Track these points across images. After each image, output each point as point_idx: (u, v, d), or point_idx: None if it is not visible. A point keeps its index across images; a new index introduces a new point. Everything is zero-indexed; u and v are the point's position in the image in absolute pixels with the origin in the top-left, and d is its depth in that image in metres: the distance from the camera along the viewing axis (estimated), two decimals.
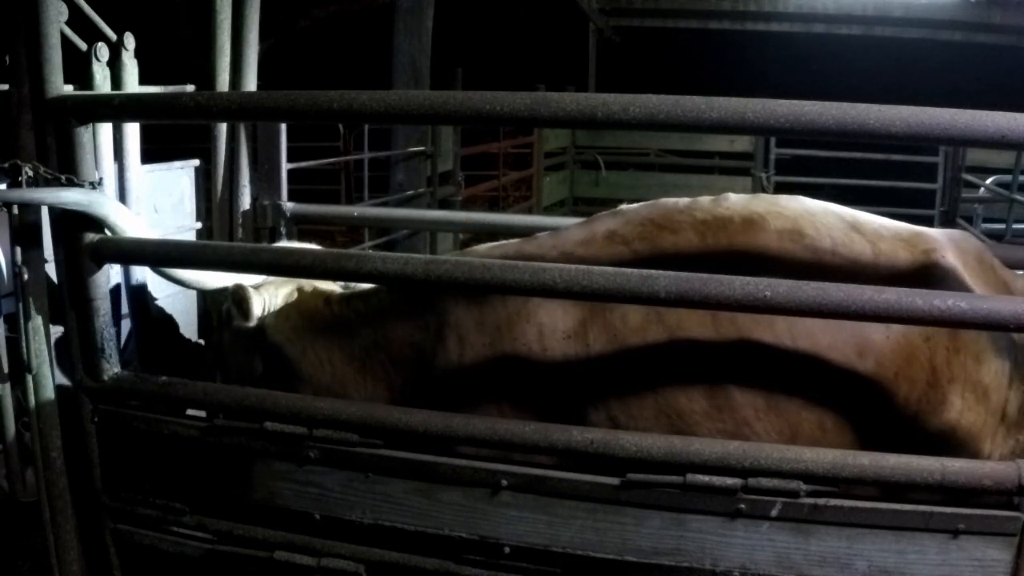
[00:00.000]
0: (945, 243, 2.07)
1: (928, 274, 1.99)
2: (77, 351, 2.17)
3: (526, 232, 2.94)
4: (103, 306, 2.16)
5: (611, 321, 2.08)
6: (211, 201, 3.17)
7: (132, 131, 2.65)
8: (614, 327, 2.07)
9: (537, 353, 2.12)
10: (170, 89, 2.75)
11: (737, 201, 2.15)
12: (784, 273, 1.77)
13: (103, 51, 2.42)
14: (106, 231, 2.13)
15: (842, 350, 1.97)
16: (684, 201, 2.20)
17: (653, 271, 1.77)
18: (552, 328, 2.11)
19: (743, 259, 1.93)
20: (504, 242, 2.37)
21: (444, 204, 7.72)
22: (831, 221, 2.09)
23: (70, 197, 2.03)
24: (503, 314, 2.16)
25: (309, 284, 2.52)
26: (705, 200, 2.18)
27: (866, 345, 1.97)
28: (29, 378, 2.21)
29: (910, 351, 1.97)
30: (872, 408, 1.99)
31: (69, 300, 2.15)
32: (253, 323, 2.45)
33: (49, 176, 2.05)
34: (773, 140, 9.55)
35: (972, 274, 2.04)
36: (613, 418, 2.07)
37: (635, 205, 2.26)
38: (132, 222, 2.17)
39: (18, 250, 2.18)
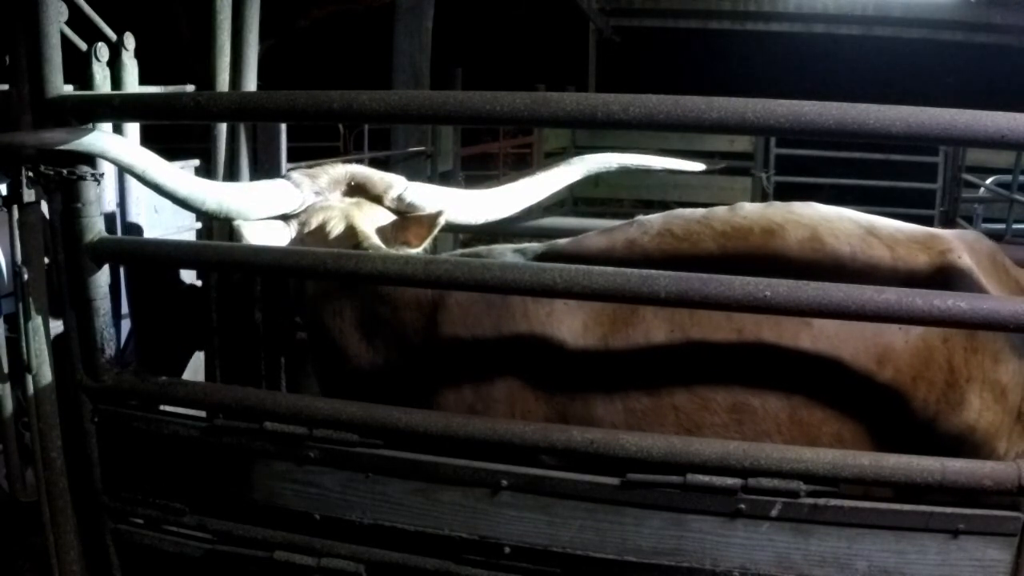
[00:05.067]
0: (959, 244, 2.07)
1: (945, 276, 2.00)
2: (77, 351, 2.17)
3: (526, 233, 2.96)
4: (103, 306, 2.16)
5: (633, 337, 2.07)
6: None
7: (132, 131, 2.65)
8: (637, 343, 2.07)
9: (555, 367, 2.12)
10: (170, 89, 2.75)
11: (753, 210, 2.16)
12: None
13: (103, 51, 2.42)
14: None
15: (863, 360, 1.97)
16: (699, 212, 2.21)
17: (653, 271, 1.77)
18: (572, 343, 2.11)
19: (764, 269, 1.89)
20: (524, 246, 2.38)
21: None
22: (848, 227, 2.09)
23: (56, 137, 1.95)
24: (524, 326, 2.14)
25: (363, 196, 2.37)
26: (721, 210, 2.19)
27: (886, 353, 1.97)
28: (29, 378, 2.21)
29: (928, 353, 1.98)
30: (891, 414, 1.99)
31: (69, 300, 2.15)
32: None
33: (50, 173, 2.05)
34: (773, 140, 9.54)
35: (986, 274, 2.05)
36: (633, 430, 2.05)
37: (652, 216, 2.27)
38: (136, 153, 2.05)
39: (18, 250, 2.18)
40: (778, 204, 2.20)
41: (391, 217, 2.37)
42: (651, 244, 2.15)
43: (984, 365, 1.99)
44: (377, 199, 2.38)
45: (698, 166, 2.90)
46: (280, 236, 2.28)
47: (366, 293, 2.31)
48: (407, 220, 2.35)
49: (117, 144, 2.02)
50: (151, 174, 2.07)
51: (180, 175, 2.16)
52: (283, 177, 2.39)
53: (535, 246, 2.36)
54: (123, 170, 2.08)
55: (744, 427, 2.00)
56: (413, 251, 2.27)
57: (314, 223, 2.29)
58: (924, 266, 2.03)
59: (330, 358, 2.37)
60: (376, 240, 2.24)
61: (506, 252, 2.34)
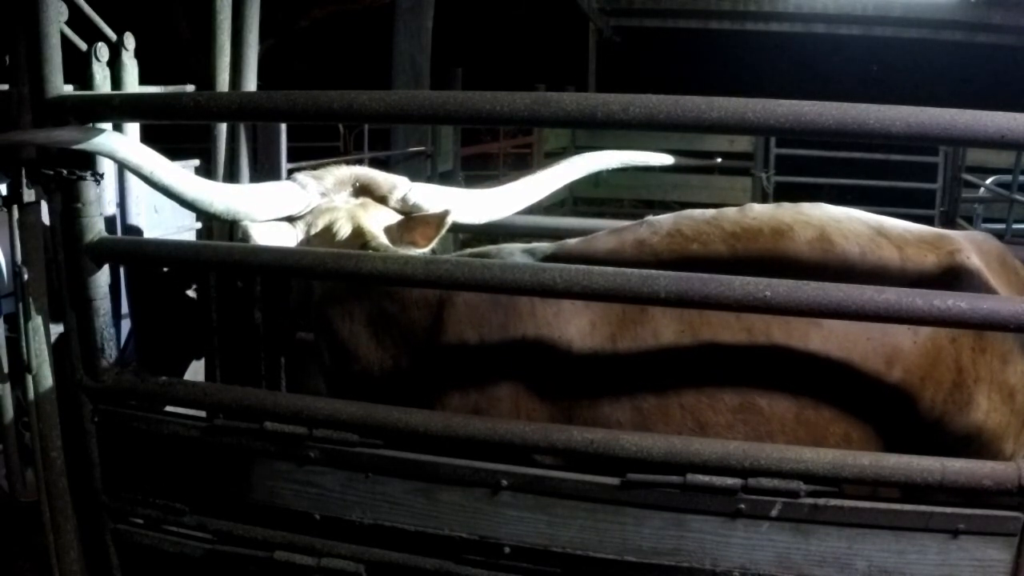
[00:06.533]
0: (968, 245, 2.08)
1: (954, 276, 2.00)
2: (77, 351, 2.17)
3: (526, 233, 2.96)
4: (103, 306, 2.16)
5: (642, 336, 2.07)
6: None
7: (132, 131, 2.65)
8: (645, 342, 2.07)
9: (562, 366, 2.11)
10: (170, 89, 2.75)
11: (763, 211, 2.17)
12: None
13: (103, 51, 2.42)
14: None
15: (872, 360, 1.97)
16: (709, 212, 2.22)
17: (653, 271, 1.77)
18: (580, 342, 2.11)
19: (774, 270, 1.87)
20: (533, 246, 2.38)
21: None
22: (857, 227, 2.09)
23: (66, 136, 1.93)
24: (530, 325, 2.14)
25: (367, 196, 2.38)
26: (731, 211, 2.19)
27: (895, 353, 1.97)
28: (29, 378, 2.21)
29: (936, 353, 1.98)
30: (899, 414, 1.99)
31: (69, 300, 2.15)
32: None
33: (50, 173, 2.05)
34: (773, 140, 9.54)
35: (995, 275, 2.05)
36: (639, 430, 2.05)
37: (661, 216, 2.27)
38: (143, 152, 2.03)
39: (18, 250, 2.17)
40: (787, 205, 2.20)
41: (397, 217, 2.37)
42: (661, 244, 2.16)
43: (992, 366, 1.99)
44: (382, 200, 2.38)
45: (667, 159, 2.95)
46: (286, 237, 2.28)
47: (375, 292, 2.31)
48: (413, 220, 2.35)
49: (126, 145, 2.02)
50: (159, 175, 2.06)
51: (188, 177, 2.16)
52: (289, 178, 2.39)
53: (544, 246, 2.36)
54: (131, 171, 2.07)
55: (749, 427, 2.00)
56: (420, 251, 2.27)
57: (320, 224, 2.29)
58: (933, 267, 2.03)
59: (340, 359, 2.36)
60: (384, 240, 2.24)
61: (515, 252, 2.34)
